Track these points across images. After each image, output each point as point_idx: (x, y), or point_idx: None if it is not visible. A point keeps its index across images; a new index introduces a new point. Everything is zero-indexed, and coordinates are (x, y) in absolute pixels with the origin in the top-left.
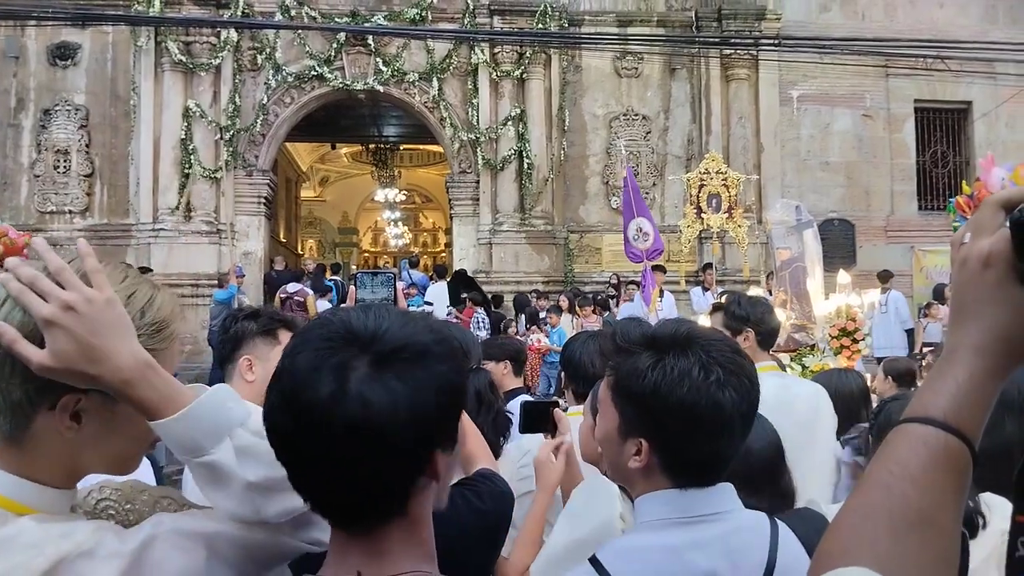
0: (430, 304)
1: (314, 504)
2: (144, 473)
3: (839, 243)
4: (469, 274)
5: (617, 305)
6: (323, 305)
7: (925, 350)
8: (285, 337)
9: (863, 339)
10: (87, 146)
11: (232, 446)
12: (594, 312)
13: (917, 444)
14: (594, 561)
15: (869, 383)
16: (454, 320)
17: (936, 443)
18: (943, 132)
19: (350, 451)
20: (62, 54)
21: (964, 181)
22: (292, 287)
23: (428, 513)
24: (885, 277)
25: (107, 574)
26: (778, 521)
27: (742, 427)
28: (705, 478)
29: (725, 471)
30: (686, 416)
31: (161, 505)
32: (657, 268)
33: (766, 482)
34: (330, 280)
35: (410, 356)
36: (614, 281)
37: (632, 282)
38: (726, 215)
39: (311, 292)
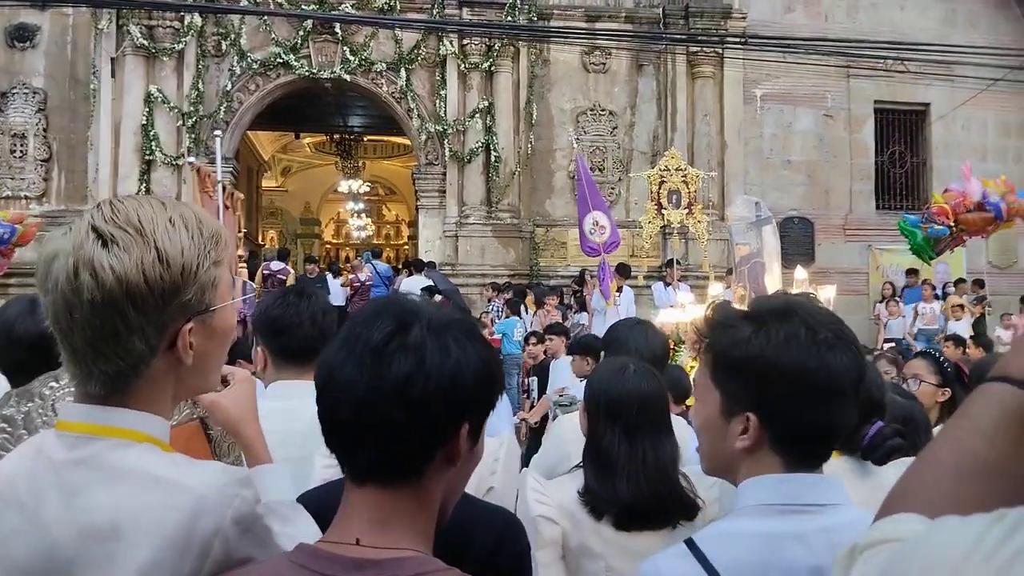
0: None
1: (339, 452)
2: None
3: (798, 240)
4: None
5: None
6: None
7: (886, 345)
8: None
9: None
10: (45, 130)
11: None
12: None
13: (991, 401)
14: (690, 543)
15: None
16: None
17: (1011, 400)
18: (901, 133)
19: (394, 401)
20: (20, 36)
21: (924, 183)
22: (275, 265)
23: (436, 498)
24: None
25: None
26: None
27: (853, 395)
28: (815, 455)
29: (834, 446)
30: (795, 380)
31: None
32: (621, 268)
33: None
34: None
35: (463, 329)
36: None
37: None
38: (686, 211)
39: (292, 271)
